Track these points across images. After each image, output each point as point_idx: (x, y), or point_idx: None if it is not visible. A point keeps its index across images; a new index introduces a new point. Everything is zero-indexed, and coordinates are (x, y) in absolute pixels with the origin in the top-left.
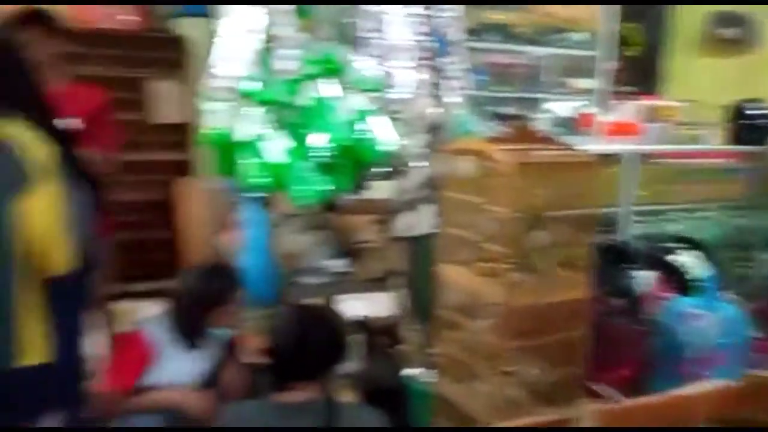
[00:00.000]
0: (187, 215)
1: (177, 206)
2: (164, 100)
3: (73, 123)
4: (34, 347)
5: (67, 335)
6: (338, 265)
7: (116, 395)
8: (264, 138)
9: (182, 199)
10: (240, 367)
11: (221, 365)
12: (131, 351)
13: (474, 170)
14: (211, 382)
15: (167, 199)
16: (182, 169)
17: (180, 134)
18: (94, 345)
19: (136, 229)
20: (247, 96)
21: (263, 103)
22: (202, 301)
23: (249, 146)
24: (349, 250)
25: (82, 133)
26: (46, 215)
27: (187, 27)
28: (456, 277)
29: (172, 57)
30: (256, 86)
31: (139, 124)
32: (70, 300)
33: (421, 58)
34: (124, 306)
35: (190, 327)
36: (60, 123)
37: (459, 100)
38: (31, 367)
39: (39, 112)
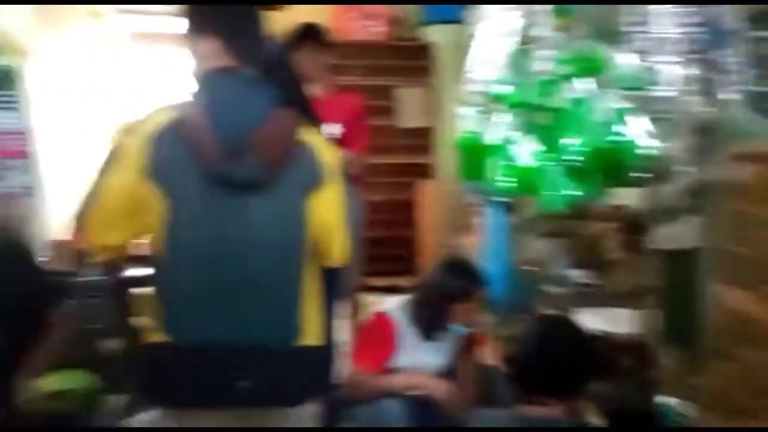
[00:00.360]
0: (427, 216)
1: (418, 207)
2: (410, 105)
3: (334, 129)
4: (312, 329)
5: (327, 321)
6: (581, 275)
7: (364, 377)
8: (513, 141)
9: (423, 201)
10: (475, 366)
11: (457, 361)
12: (379, 335)
13: (764, 178)
14: (446, 375)
15: (409, 200)
16: (424, 171)
17: (424, 138)
18: (342, 332)
19: (379, 227)
20: (498, 99)
21: (514, 106)
22: (444, 294)
23: (498, 150)
24: (594, 260)
25: (340, 139)
26: (332, 211)
27: (435, 34)
28: (732, 301)
29: (420, 64)
30: (508, 89)
31: (387, 129)
32: (331, 288)
33: (690, 52)
34: (364, 299)
35: (430, 319)
36: (324, 129)
37: (737, 97)
38: (308, 348)
39: (311, 120)
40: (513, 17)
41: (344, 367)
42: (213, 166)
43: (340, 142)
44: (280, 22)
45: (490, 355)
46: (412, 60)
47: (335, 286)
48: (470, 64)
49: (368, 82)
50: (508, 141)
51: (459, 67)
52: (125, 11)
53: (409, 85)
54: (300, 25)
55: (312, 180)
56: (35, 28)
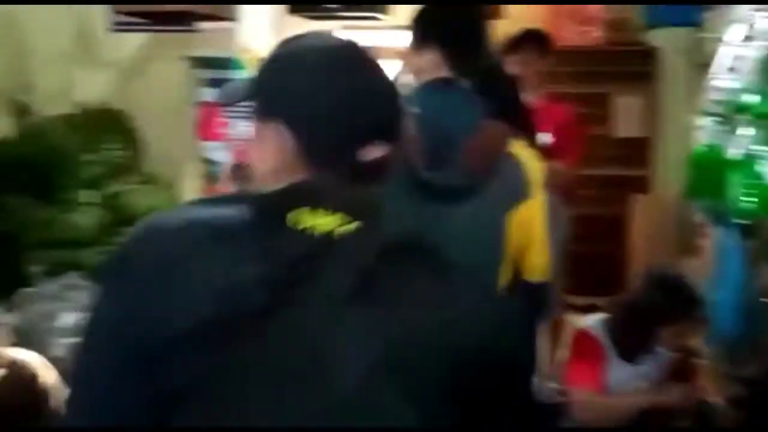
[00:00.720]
0: (640, 233)
1: (630, 223)
2: (627, 114)
3: (545, 138)
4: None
5: (527, 336)
6: None
7: (591, 398)
8: (759, 157)
9: (636, 216)
10: (685, 398)
11: (662, 389)
12: (587, 353)
13: None
14: None
15: (621, 215)
16: (640, 185)
17: (640, 149)
18: (543, 350)
19: (586, 243)
20: (743, 110)
21: (762, 117)
22: (650, 312)
23: (739, 165)
24: None
25: (551, 148)
26: (535, 225)
27: (661, 38)
28: None
29: (640, 70)
30: (755, 99)
31: (600, 139)
32: (532, 304)
33: None
34: (566, 317)
35: (631, 339)
36: (536, 138)
37: None
38: None
39: (525, 129)
40: (763, 19)
41: (557, 387)
42: (418, 174)
43: (552, 152)
44: (495, 30)
45: (708, 391)
46: (631, 66)
47: (537, 301)
48: (712, 71)
49: (582, 89)
50: (753, 156)
51: (687, 73)
52: (349, 27)
53: (627, 93)
54: (522, 30)
55: (516, 192)
56: (272, 44)
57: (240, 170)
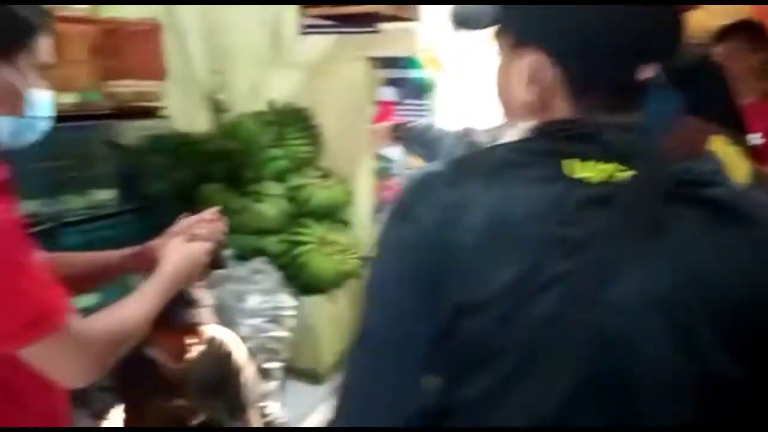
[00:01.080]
0: None
1: None
2: None
3: (756, 139)
4: None
5: None
6: None
7: None
8: None
9: None
10: None
11: None
12: None
13: None
14: None
15: None
16: None
17: None
18: None
19: None
20: None
21: None
22: None
23: None
24: None
25: (762, 150)
26: None
27: None
28: None
29: None
30: None
31: None
32: None
33: None
34: None
35: None
36: (745, 137)
37: None
38: None
39: (731, 126)
40: None
41: None
42: None
43: (763, 154)
44: (698, 24)
45: None
46: None
47: None
48: None
49: None
50: None
51: None
52: None
53: None
54: (733, 22)
55: None
56: (449, 45)
57: (399, 130)
